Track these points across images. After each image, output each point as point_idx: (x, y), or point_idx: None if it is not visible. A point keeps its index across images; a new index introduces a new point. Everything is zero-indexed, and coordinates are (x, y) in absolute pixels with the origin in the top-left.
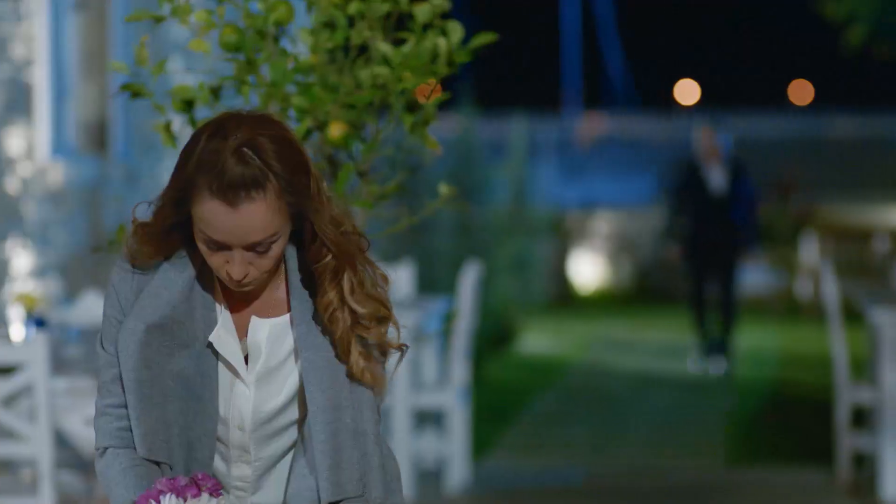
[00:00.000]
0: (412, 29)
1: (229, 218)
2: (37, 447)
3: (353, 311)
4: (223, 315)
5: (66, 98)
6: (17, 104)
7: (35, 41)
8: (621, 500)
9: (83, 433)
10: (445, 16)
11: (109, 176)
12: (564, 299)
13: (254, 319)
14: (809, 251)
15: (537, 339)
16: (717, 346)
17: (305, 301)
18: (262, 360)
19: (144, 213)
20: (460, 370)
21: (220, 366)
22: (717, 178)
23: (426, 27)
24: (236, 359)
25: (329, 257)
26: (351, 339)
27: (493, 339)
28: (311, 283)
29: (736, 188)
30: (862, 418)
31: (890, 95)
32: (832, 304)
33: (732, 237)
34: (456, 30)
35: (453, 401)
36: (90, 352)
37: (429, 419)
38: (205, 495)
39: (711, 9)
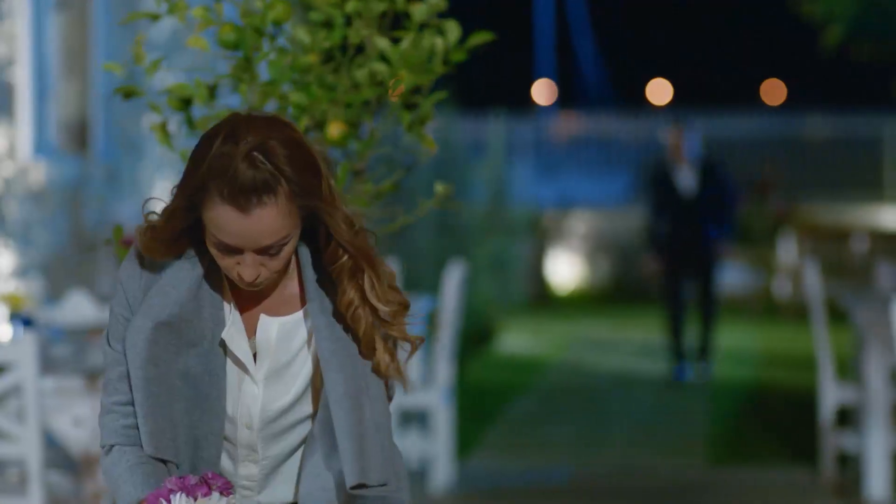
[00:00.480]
0: (408, 28)
1: (241, 223)
2: (26, 447)
3: (374, 308)
4: (232, 314)
5: (48, 97)
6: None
7: (16, 40)
8: (606, 498)
9: (71, 433)
10: (441, 15)
11: (91, 175)
12: (543, 299)
13: (263, 318)
14: (787, 251)
15: (517, 339)
16: (697, 353)
17: (324, 298)
18: (272, 358)
19: (154, 212)
20: (444, 370)
21: (228, 364)
22: (686, 179)
23: (422, 26)
24: (246, 357)
25: (346, 257)
26: (375, 335)
27: (472, 338)
28: (328, 281)
29: (707, 188)
30: (844, 418)
31: (865, 95)
32: (816, 303)
33: (705, 238)
34: (453, 29)
35: (438, 401)
36: (76, 351)
37: (413, 419)
38: (215, 494)
39: (686, 8)
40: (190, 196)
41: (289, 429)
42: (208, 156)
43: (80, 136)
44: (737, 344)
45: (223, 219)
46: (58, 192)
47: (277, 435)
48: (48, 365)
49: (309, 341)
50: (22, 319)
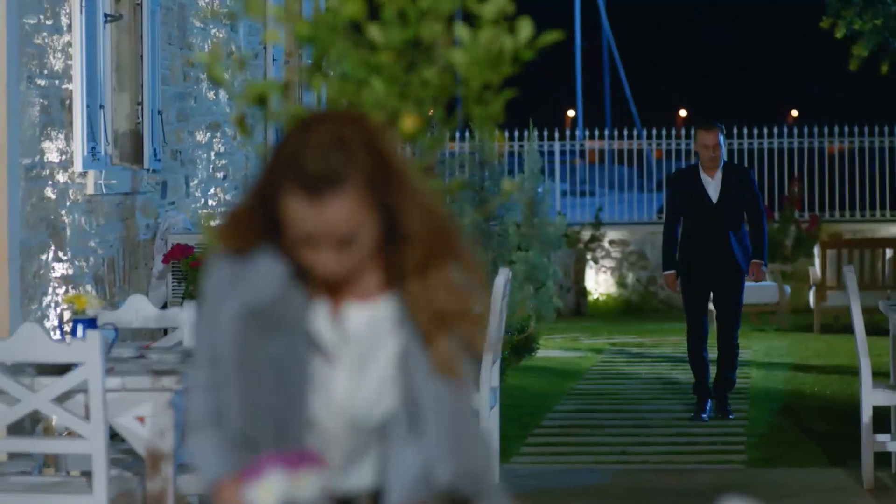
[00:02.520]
0: (478, 27)
1: (314, 213)
2: (91, 444)
3: (436, 305)
4: (318, 301)
5: (101, 109)
6: (54, 115)
7: (71, 53)
8: (646, 499)
9: (136, 431)
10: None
11: (142, 186)
12: (577, 310)
13: (349, 306)
14: (818, 263)
15: (553, 348)
16: (719, 388)
17: (394, 292)
18: (357, 347)
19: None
20: (490, 374)
21: (315, 352)
22: (716, 186)
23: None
24: (331, 344)
25: (416, 250)
26: (436, 332)
27: (510, 347)
28: (400, 274)
29: (739, 199)
30: (882, 421)
31: (890, 110)
32: (856, 308)
33: (732, 251)
34: (525, 26)
35: (483, 403)
36: (138, 352)
37: None
38: (310, 468)
39: (714, 31)
40: (266, 186)
41: (374, 418)
42: (283, 148)
43: (132, 147)
44: (769, 353)
45: (296, 209)
46: (110, 202)
47: (361, 422)
48: (112, 364)
49: (395, 329)
50: (87, 320)
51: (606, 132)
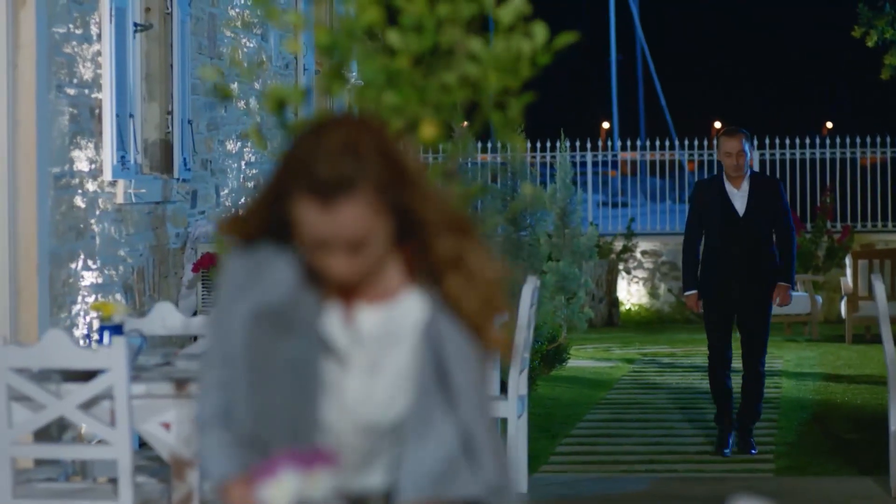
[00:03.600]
0: (496, 31)
1: (325, 218)
2: (117, 450)
3: (482, 293)
4: (332, 303)
5: (130, 118)
6: (84, 124)
7: (100, 63)
8: None
9: (161, 437)
10: (525, 19)
11: (172, 195)
12: (610, 320)
13: (362, 308)
14: (849, 273)
15: (585, 358)
16: (743, 420)
17: (425, 290)
18: (371, 350)
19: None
20: (518, 381)
21: (328, 353)
22: (742, 199)
23: (509, 29)
24: (343, 346)
25: (445, 244)
26: (480, 320)
27: (543, 358)
28: (430, 273)
29: (764, 211)
30: None
31: None
32: (884, 318)
33: (759, 269)
34: (540, 31)
35: (511, 411)
36: (164, 359)
37: None
38: (324, 466)
39: (748, 43)
40: (277, 191)
41: (386, 419)
42: (294, 153)
43: (161, 156)
44: (800, 363)
45: (307, 214)
46: (140, 211)
47: (374, 424)
48: (138, 371)
49: (409, 331)
50: (113, 327)
51: (639, 143)
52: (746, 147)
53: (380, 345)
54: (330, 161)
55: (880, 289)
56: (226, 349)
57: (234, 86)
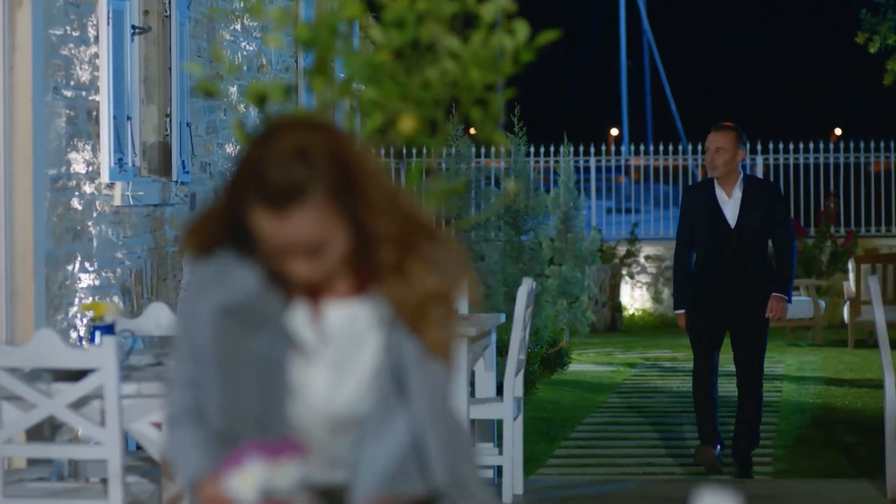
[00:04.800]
0: (478, 28)
1: (279, 224)
2: (107, 450)
3: (418, 297)
4: (299, 300)
5: (128, 121)
6: (81, 126)
7: (98, 65)
8: None
9: (152, 437)
10: (510, 16)
11: (170, 198)
12: (612, 325)
13: (328, 305)
14: (850, 279)
15: (585, 363)
16: (739, 448)
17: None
18: (337, 346)
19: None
20: (513, 382)
21: (295, 349)
22: (734, 205)
23: (492, 26)
24: (309, 342)
25: (389, 251)
26: (422, 321)
27: (543, 361)
28: (376, 275)
29: (758, 219)
30: None
31: None
32: (881, 323)
33: (753, 285)
34: (522, 28)
35: (506, 412)
36: (156, 359)
37: (482, 431)
38: (290, 456)
39: (755, 51)
40: (233, 197)
41: (354, 417)
42: (246, 160)
43: (159, 159)
44: (801, 367)
45: (262, 221)
46: (138, 213)
47: (341, 420)
48: (127, 373)
49: (375, 329)
50: (104, 327)
51: (649, 148)
52: (731, 145)
53: (346, 342)
54: (281, 168)
55: (875, 289)
56: (194, 346)
57: (234, 88)
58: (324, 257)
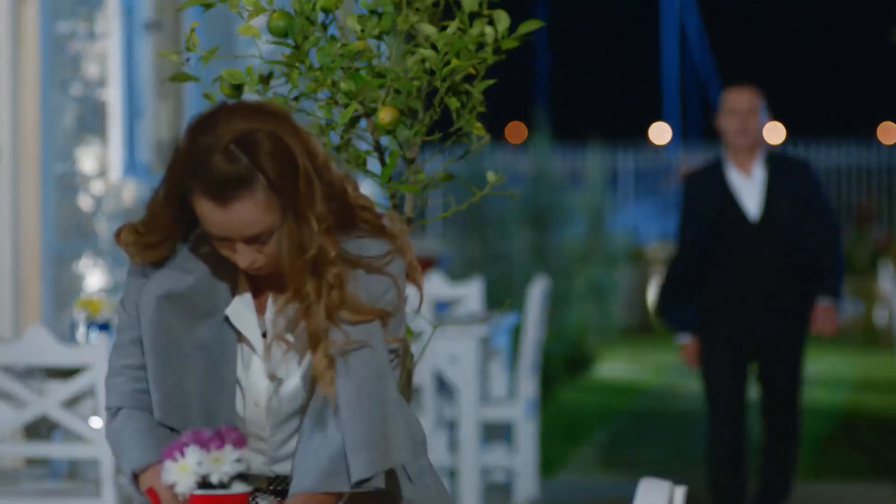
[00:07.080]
0: (458, 16)
1: (221, 215)
2: (99, 448)
3: (327, 309)
4: (243, 290)
5: (139, 117)
6: (91, 123)
7: (108, 61)
8: None
9: None
10: (492, 6)
11: None
12: (643, 327)
13: (271, 296)
14: (886, 280)
15: (614, 365)
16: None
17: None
18: (278, 336)
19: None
20: (528, 384)
21: (239, 340)
22: (756, 192)
23: (474, 16)
24: (252, 334)
25: (314, 251)
26: (322, 337)
27: (569, 363)
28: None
29: (789, 207)
30: None
31: None
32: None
33: (786, 297)
34: (502, 18)
35: (521, 414)
36: None
37: (497, 433)
38: (228, 447)
39: (801, 47)
40: (174, 188)
41: (298, 408)
42: (187, 148)
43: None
44: (831, 369)
45: (204, 211)
46: None
47: (286, 413)
48: None
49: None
50: (98, 324)
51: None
52: (759, 108)
53: (287, 333)
54: (222, 158)
55: (890, 280)
56: (135, 335)
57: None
58: (267, 247)
